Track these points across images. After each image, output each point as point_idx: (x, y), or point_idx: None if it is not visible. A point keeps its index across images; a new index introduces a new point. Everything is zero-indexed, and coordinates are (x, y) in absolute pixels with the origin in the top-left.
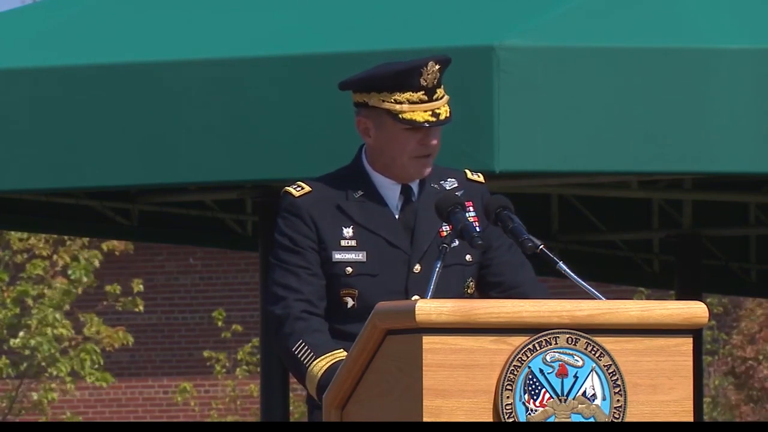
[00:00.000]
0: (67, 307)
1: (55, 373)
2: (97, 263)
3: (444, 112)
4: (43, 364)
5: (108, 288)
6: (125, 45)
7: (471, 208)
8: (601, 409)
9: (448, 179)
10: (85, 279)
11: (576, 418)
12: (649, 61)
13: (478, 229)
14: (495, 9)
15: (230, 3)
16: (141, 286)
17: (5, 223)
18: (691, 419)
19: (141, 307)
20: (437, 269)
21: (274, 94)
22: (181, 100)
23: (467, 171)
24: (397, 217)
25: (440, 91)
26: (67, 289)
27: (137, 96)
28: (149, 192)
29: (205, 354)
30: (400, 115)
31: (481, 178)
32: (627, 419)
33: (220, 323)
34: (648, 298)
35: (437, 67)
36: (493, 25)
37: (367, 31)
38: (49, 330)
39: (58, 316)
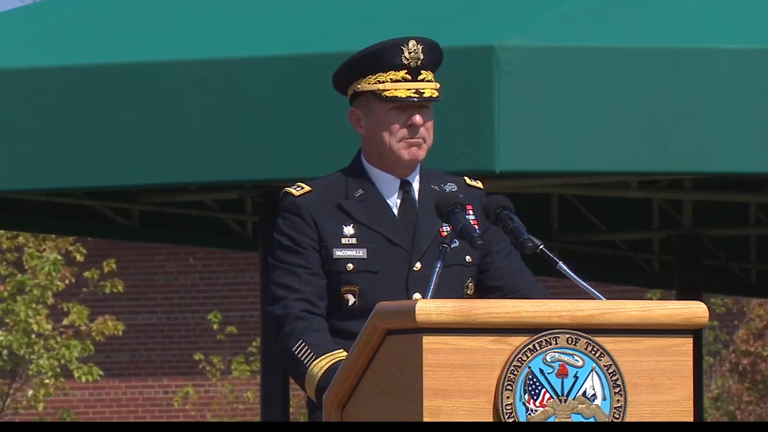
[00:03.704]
0: (51, 300)
1: (35, 369)
2: (80, 257)
3: (429, 91)
4: (25, 359)
5: (86, 274)
6: (125, 45)
7: (471, 212)
8: (601, 409)
9: (448, 183)
10: (54, 273)
11: (576, 418)
12: (649, 61)
13: (477, 231)
14: (495, 9)
15: (230, 3)
16: (114, 266)
17: (5, 223)
18: (691, 419)
19: (120, 287)
20: (437, 269)
21: (274, 94)
22: (181, 100)
23: (466, 177)
24: (396, 212)
25: (427, 74)
26: (44, 285)
27: (137, 96)
28: (149, 192)
29: (196, 357)
30: (383, 94)
31: (480, 185)
32: (627, 419)
33: (215, 326)
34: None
35: (420, 47)
36: (493, 25)
37: (367, 31)
38: (22, 326)
39: (30, 312)
